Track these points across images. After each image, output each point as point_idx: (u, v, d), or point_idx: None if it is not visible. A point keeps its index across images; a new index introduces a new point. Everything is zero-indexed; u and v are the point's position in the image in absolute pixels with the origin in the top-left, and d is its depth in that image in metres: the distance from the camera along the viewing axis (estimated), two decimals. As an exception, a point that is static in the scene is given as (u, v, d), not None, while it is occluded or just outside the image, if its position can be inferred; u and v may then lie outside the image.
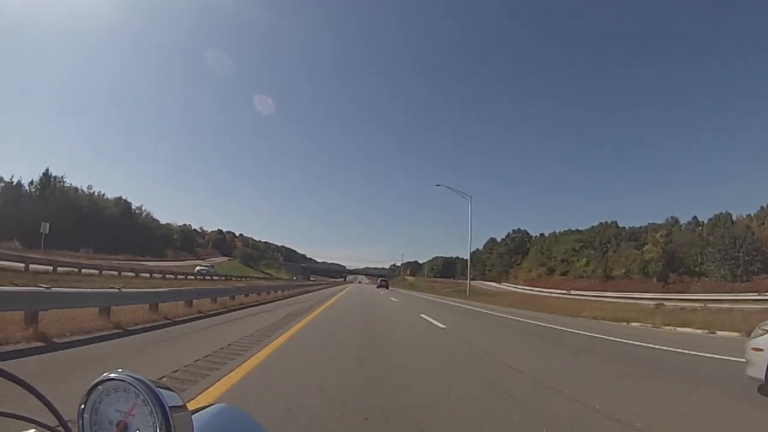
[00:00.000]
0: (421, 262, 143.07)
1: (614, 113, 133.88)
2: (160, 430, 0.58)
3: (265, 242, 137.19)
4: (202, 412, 0.78)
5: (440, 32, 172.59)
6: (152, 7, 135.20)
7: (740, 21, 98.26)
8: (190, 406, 0.68)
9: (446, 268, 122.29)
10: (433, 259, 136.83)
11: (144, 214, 78.61)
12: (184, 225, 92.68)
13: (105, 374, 0.62)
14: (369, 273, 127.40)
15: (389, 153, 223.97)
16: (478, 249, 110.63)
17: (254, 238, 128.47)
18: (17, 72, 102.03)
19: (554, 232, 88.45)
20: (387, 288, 57.80)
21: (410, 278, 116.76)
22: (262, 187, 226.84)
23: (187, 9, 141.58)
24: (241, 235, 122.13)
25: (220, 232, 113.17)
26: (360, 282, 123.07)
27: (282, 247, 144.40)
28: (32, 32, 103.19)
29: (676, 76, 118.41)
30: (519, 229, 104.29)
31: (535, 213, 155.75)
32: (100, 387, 0.62)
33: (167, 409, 0.58)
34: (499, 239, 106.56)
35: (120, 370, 0.62)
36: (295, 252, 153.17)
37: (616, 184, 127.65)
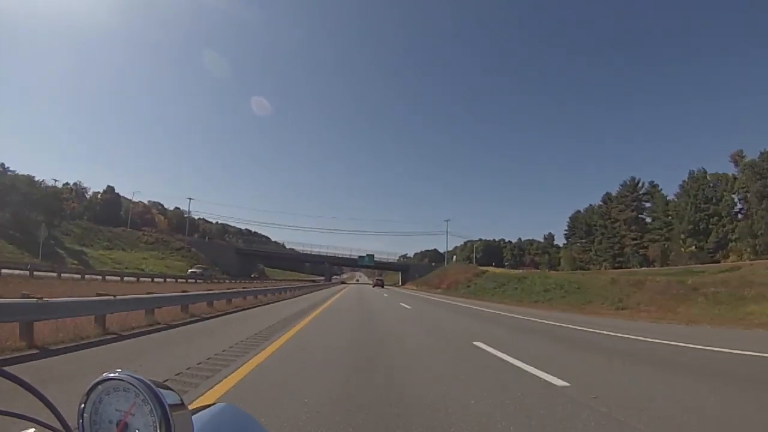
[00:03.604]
0: (441, 251, 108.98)
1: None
2: (159, 429, 0.57)
3: (223, 224, 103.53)
4: (202, 411, 0.78)
5: (441, 30, 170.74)
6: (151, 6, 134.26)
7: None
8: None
9: (488, 255, 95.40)
10: (466, 243, 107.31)
11: None
12: None
13: (104, 374, 0.62)
14: (379, 267, 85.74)
15: (389, 137, 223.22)
16: (579, 209, 79.05)
17: (209, 219, 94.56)
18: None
19: None
20: (382, 287, 50.65)
21: (495, 269, 56.89)
22: (262, 182, 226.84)
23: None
24: (177, 208, 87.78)
25: (110, 190, 71.42)
26: (357, 281, 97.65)
27: (244, 230, 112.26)
28: (28, 31, 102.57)
29: None
30: None
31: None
32: (99, 387, 0.61)
33: (167, 408, 0.58)
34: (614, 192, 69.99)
35: (119, 369, 0.62)
36: (269, 239, 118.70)
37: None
